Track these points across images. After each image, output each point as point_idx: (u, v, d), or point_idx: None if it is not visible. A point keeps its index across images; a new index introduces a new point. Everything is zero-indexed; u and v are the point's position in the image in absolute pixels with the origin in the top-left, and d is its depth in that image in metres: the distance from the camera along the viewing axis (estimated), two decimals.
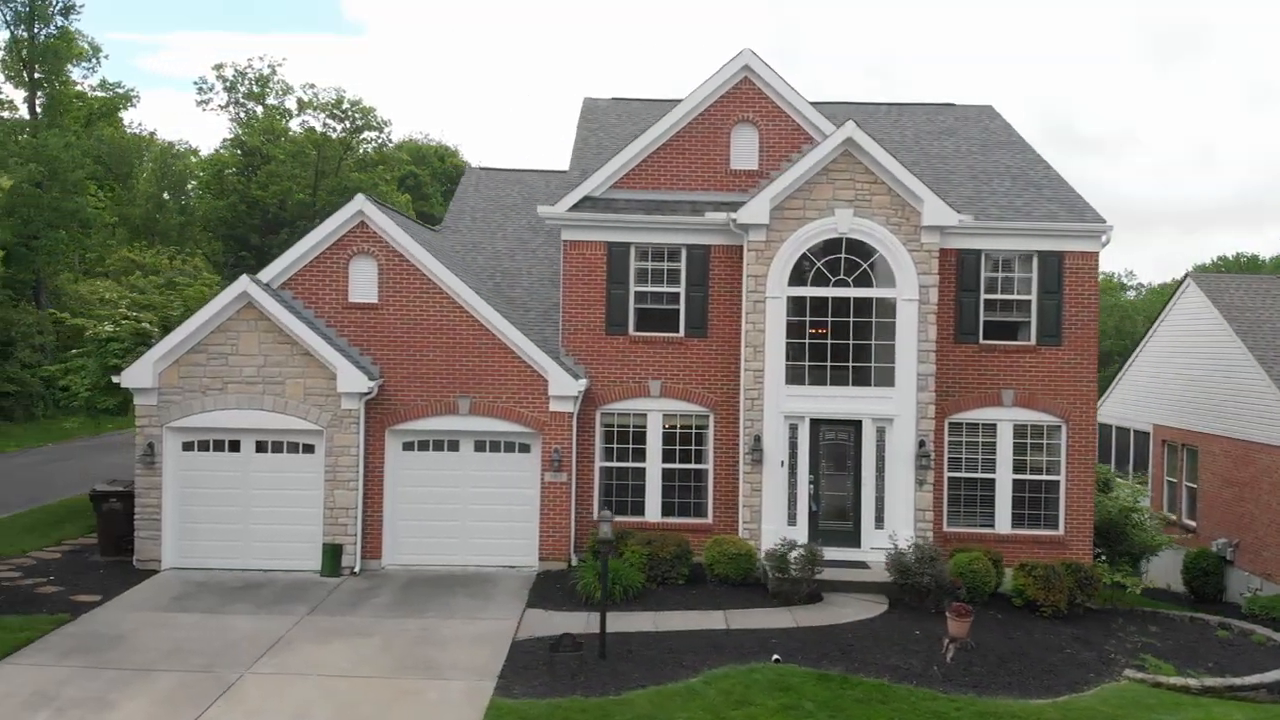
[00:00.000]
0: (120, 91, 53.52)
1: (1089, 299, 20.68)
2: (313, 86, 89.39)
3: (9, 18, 44.75)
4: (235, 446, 19.63)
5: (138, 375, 19.05)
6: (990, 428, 20.71)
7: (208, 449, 19.63)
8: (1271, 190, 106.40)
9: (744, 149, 20.71)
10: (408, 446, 20.18)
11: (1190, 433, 30.02)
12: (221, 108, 76.76)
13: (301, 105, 76.91)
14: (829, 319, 19.68)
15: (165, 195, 74.97)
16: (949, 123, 25.90)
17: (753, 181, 20.71)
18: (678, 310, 20.72)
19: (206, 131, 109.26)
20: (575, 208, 20.47)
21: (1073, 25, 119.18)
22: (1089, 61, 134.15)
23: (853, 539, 19.75)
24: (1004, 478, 20.71)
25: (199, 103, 76.23)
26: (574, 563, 20.06)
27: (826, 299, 19.66)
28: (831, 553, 19.19)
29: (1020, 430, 20.74)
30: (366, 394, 19.32)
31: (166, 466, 19.32)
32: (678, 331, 20.70)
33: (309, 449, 19.65)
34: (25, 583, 18.12)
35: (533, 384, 19.92)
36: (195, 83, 76.56)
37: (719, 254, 20.52)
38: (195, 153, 79.84)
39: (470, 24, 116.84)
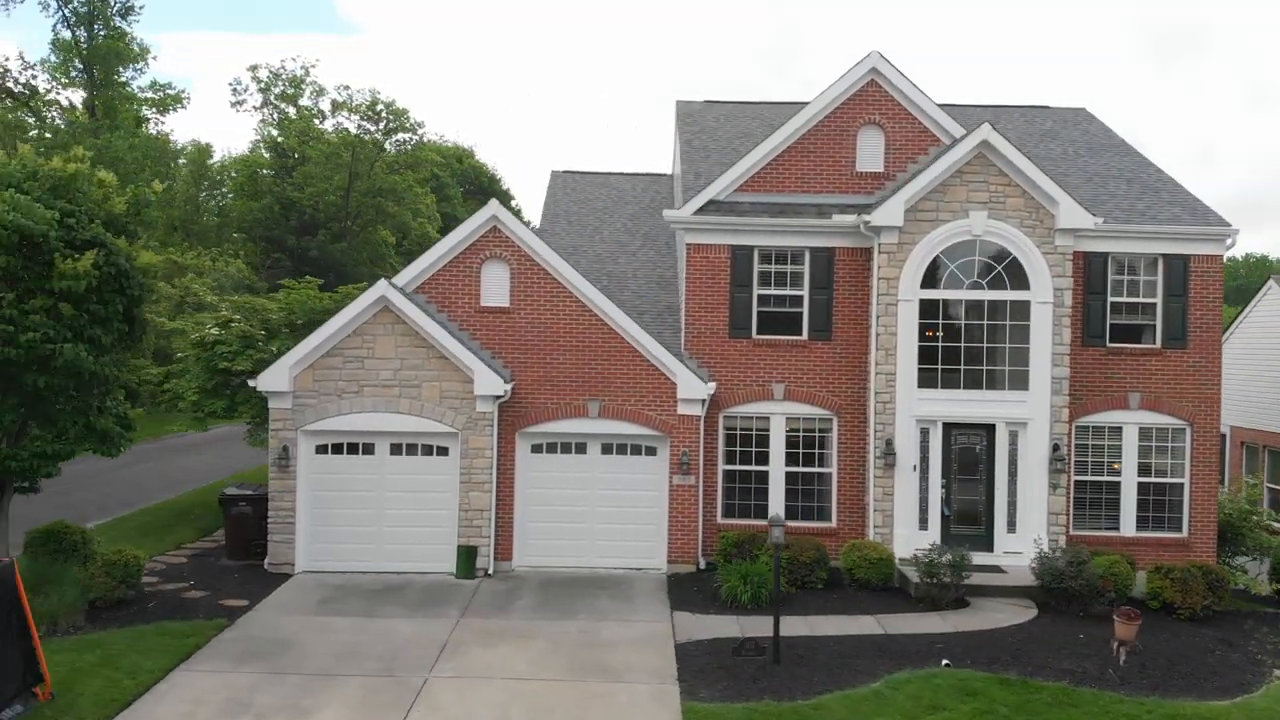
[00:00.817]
0: (171, 93, 53.55)
1: (1213, 302, 20.66)
2: (347, 88, 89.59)
3: (69, 18, 44.79)
4: (369, 449, 19.65)
5: (274, 379, 19.07)
6: (1116, 430, 20.68)
7: (341, 452, 19.65)
8: (1271, 190, 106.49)
9: (870, 151, 20.70)
10: (536, 449, 20.19)
11: (1271, 434, 30.00)
12: (256, 108, 77.01)
13: (336, 106, 77.02)
14: (962, 322, 19.67)
15: (201, 196, 75.03)
16: (1048, 125, 25.88)
17: (878, 184, 20.71)
18: (800, 313, 20.71)
19: (221, 133, 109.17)
20: (700, 211, 20.46)
21: (1073, 25, 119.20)
22: (1089, 62, 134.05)
23: (985, 543, 19.72)
24: (1129, 480, 20.68)
25: (234, 104, 76.30)
26: (701, 566, 20.05)
27: (960, 302, 19.65)
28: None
29: (1145, 433, 20.72)
30: (501, 397, 19.33)
31: (300, 470, 19.34)
32: (800, 334, 20.69)
33: (443, 451, 19.67)
34: (167, 588, 18.12)
35: (661, 387, 19.92)
36: (230, 84, 76.29)
37: (843, 256, 20.51)
38: (208, 151, 79.43)
39: (464, 24, 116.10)
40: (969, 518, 19.98)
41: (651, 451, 20.25)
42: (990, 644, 15.96)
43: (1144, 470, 20.74)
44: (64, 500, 25.51)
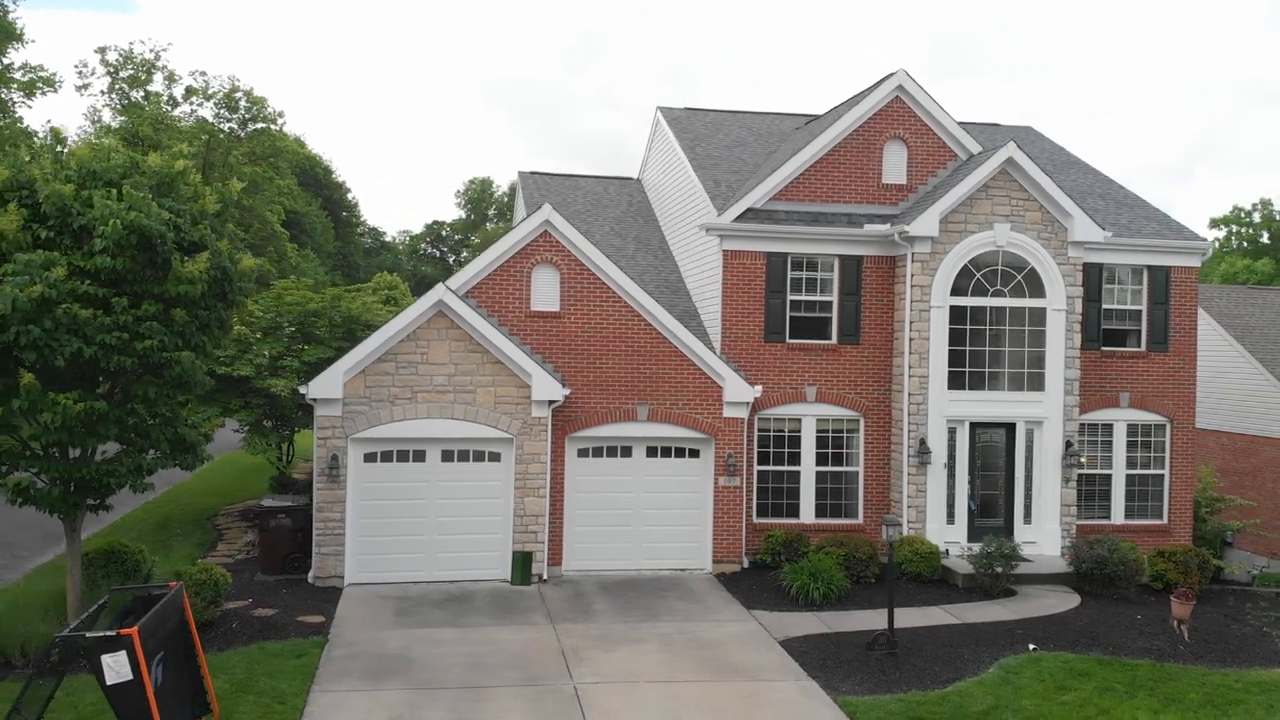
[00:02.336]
0: (44, 75, 49.44)
1: (1190, 309, 22.75)
2: (204, 74, 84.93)
3: None
4: (420, 456, 19.18)
5: (326, 386, 18.37)
6: (1108, 427, 22.47)
7: (390, 459, 19.11)
8: None
9: (894, 164, 21.72)
10: (582, 453, 20.21)
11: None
12: (103, 93, 72.23)
13: (190, 92, 73.18)
14: (987, 327, 20.94)
15: None
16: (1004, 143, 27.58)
17: (901, 195, 21.76)
18: (829, 318, 21.52)
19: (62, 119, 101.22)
20: (739, 219, 20.97)
21: (867, 38, 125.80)
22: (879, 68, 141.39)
23: (1005, 534, 21.00)
24: (1119, 474, 22.51)
25: (79, 87, 71.20)
26: (745, 565, 20.56)
27: (985, 308, 20.91)
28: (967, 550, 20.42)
29: (1133, 430, 22.60)
30: (556, 402, 19.27)
31: (349, 479, 18.71)
32: (830, 338, 21.51)
33: (495, 457, 19.42)
34: (230, 606, 17.15)
35: (707, 390, 20.32)
36: (76, 66, 71.11)
37: (870, 264, 21.45)
38: (61, 137, 74.00)
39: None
40: (990, 511, 21.28)
41: (695, 454, 20.61)
42: (1060, 628, 17.17)
43: (1131, 464, 22.62)
44: (18, 516, 23.56)
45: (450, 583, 19.01)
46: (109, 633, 10.05)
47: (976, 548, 20.37)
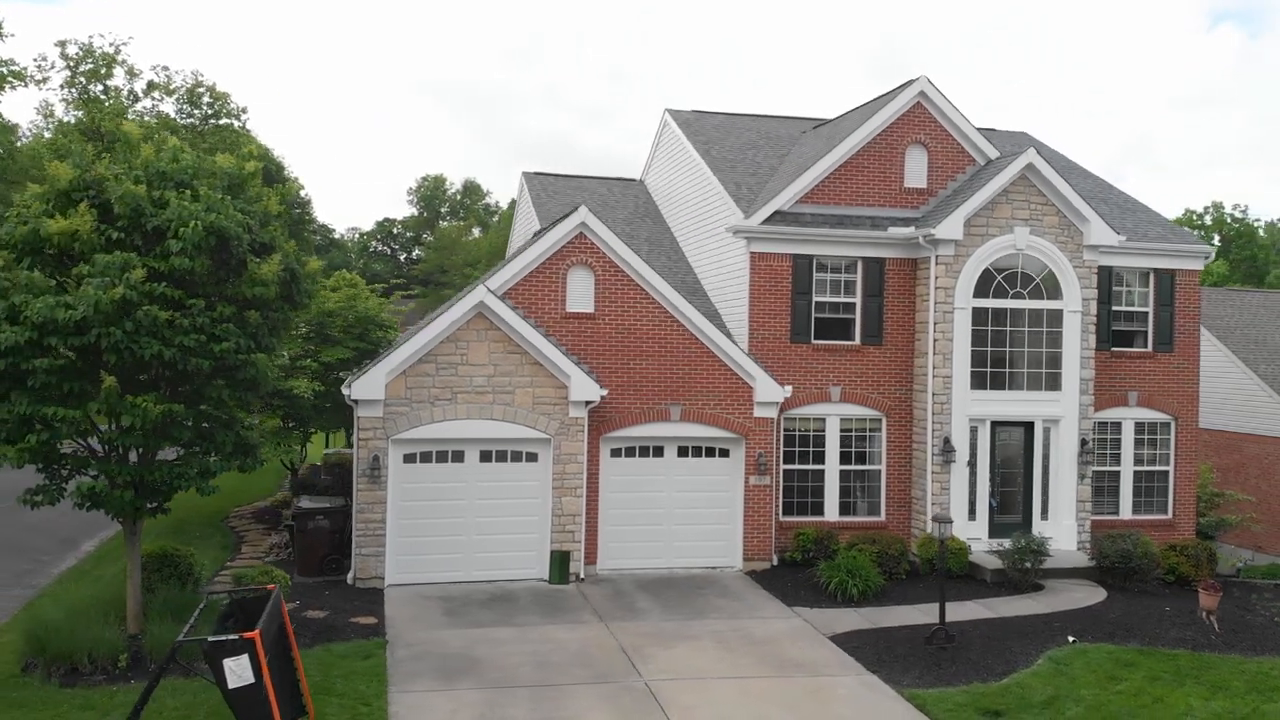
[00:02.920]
0: (15, 69, 48.20)
1: (1193, 310, 23.52)
2: (166, 69, 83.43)
3: None
4: (459, 457, 19.24)
5: (369, 387, 18.34)
6: (1117, 425, 23.15)
7: (429, 460, 19.14)
8: None
9: (915, 169, 22.19)
10: (615, 453, 20.40)
11: None
12: (63, 86, 70.73)
13: (151, 87, 72.03)
14: (1007, 328, 21.47)
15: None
16: (1005, 147, 28.27)
17: (922, 199, 22.23)
18: (853, 319, 21.93)
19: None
20: (766, 221, 21.28)
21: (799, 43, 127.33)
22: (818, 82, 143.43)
23: (1023, 530, 21.57)
24: (1127, 469, 23.22)
25: (38, 81, 69.63)
26: (774, 562, 20.89)
27: (1005, 310, 21.44)
28: (1003, 544, 20.94)
29: (1140, 427, 23.31)
30: (593, 402, 19.43)
31: (389, 480, 18.71)
32: (854, 339, 21.91)
33: (532, 458, 19.54)
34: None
35: (738, 391, 20.60)
36: (35, 60, 69.49)
37: (893, 266, 21.89)
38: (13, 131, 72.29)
39: None
40: (1008, 507, 21.84)
41: (725, 453, 20.88)
42: (1094, 620, 17.73)
43: (1139, 460, 23.33)
44: (28, 520, 23.17)
45: (489, 583, 19.09)
46: (232, 636, 10.04)
47: (996, 543, 20.94)
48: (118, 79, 73.76)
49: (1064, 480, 21.66)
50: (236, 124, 76.51)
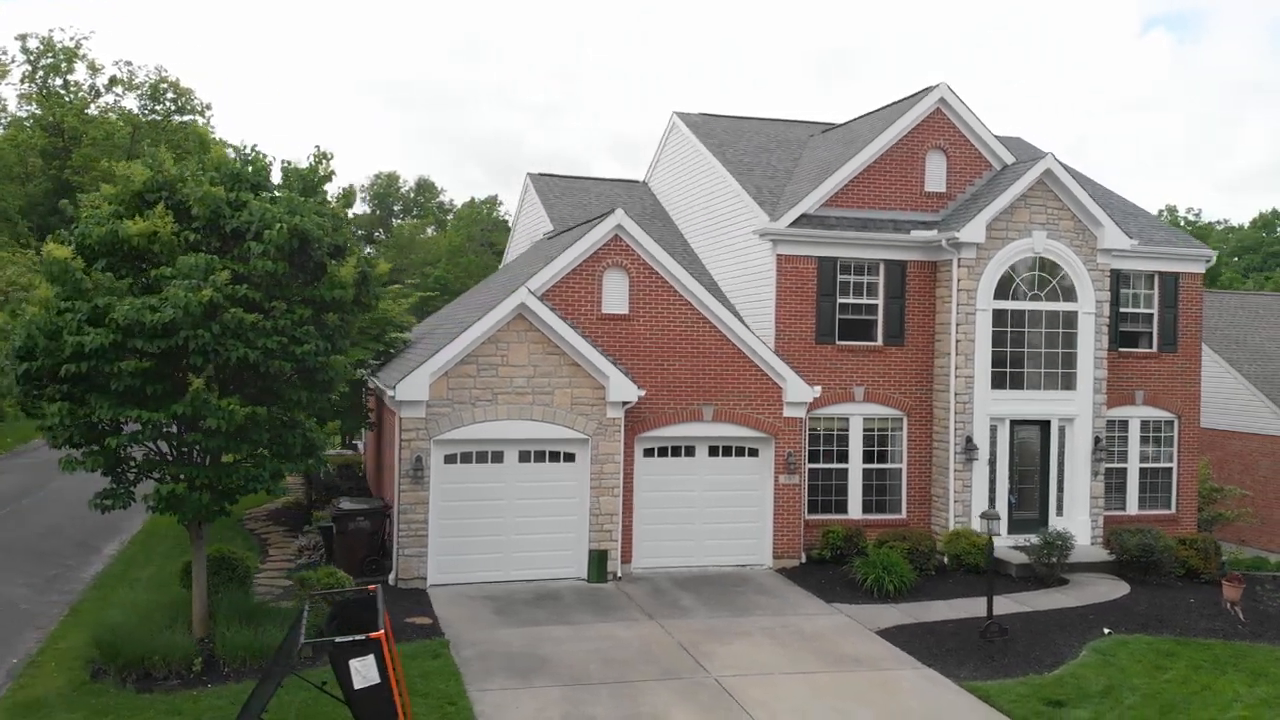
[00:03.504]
0: None
1: (1196, 312, 24.34)
2: (129, 64, 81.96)
3: None
4: (498, 458, 19.34)
5: (413, 388, 18.38)
6: (1124, 423, 23.87)
7: (470, 461, 19.22)
8: None
9: (935, 173, 22.69)
10: (648, 453, 20.62)
11: None
12: (23, 81, 69.33)
13: (114, 82, 70.92)
14: (1025, 330, 22.05)
15: None
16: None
17: (941, 203, 22.74)
18: (875, 320, 22.38)
19: None
20: (794, 224, 21.64)
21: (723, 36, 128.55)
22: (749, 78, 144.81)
23: (1040, 526, 22.13)
24: (1133, 466, 23.96)
25: None
26: (802, 560, 21.26)
27: (1023, 311, 22.02)
28: (1022, 540, 21.50)
29: (1145, 425, 24.07)
30: (630, 403, 19.64)
31: (432, 481, 18.76)
32: (876, 340, 22.36)
33: (569, 458, 19.69)
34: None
35: (768, 391, 20.93)
36: None
37: (913, 269, 22.37)
38: None
39: None
40: (1025, 504, 22.43)
41: (754, 453, 21.20)
42: (1124, 613, 18.32)
43: (1144, 457, 24.08)
44: (39, 523, 22.83)
45: (528, 582, 19.22)
46: (359, 636, 10.11)
47: (1017, 539, 21.44)
48: (79, 74, 72.47)
49: (1079, 477, 22.31)
50: (201, 120, 75.54)
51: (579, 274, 20.02)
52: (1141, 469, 24.11)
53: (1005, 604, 18.70)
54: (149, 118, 71.35)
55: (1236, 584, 18.47)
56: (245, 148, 14.26)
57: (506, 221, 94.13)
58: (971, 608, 18.34)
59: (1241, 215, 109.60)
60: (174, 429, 13.45)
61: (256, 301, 13.12)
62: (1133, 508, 23.94)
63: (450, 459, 19.08)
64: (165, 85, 71.81)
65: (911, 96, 23.24)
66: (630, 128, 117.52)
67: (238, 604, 15.00)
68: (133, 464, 13.95)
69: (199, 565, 14.55)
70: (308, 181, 14.12)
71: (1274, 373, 32.37)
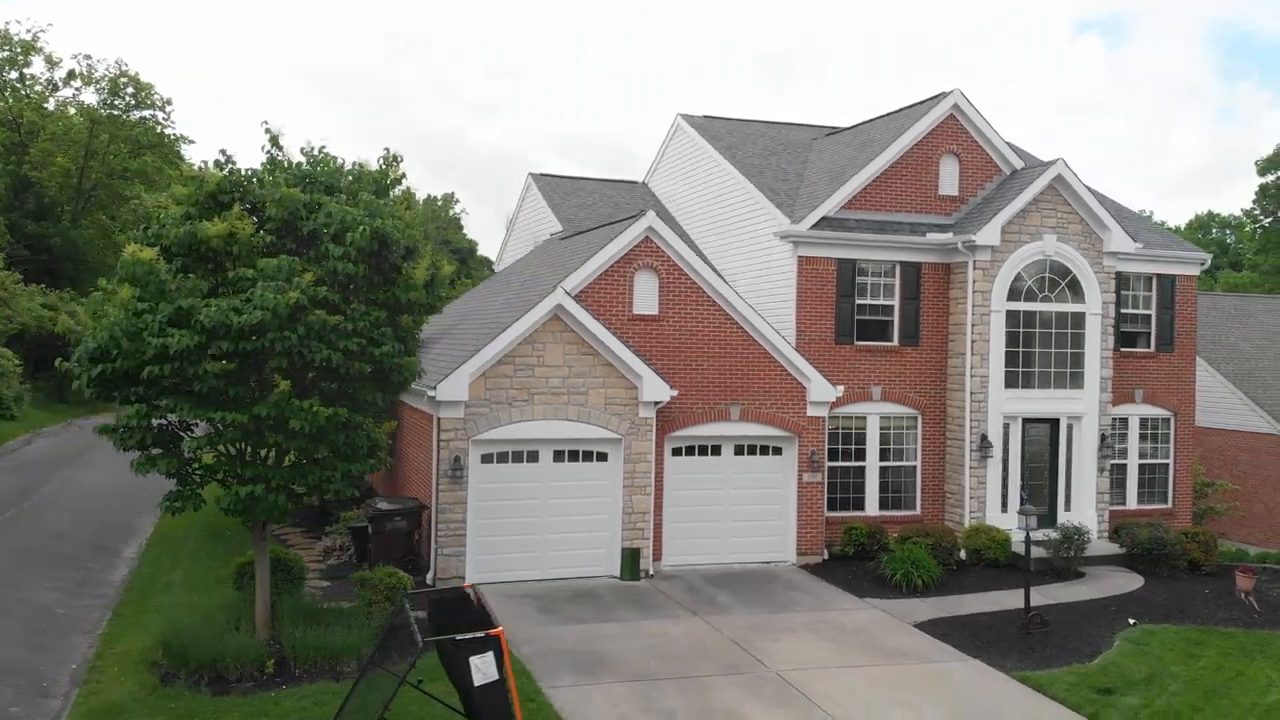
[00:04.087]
0: None
1: (1191, 313, 25.21)
2: (89, 58, 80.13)
3: None
4: (534, 457, 19.50)
5: (453, 389, 18.46)
6: (1124, 421, 24.66)
7: (505, 460, 19.36)
8: None
9: (948, 177, 23.26)
10: (676, 452, 20.90)
11: None
12: None
13: (72, 76, 69.53)
14: (1037, 330, 22.70)
15: None
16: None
17: (954, 206, 23.31)
18: (891, 321, 22.90)
19: None
20: (815, 226, 22.06)
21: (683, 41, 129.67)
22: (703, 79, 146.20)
23: (1049, 521, 22.85)
24: (1133, 462, 24.77)
25: None
26: (825, 557, 21.69)
27: (1034, 313, 22.67)
28: (1036, 534, 22.15)
29: (1144, 423, 24.89)
30: (662, 403, 19.91)
31: (470, 481, 18.87)
32: (892, 340, 22.88)
33: (602, 457, 19.91)
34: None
35: (792, 391, 21.31)
36: None
37: (928, 270, 22.92)
38: None
39: None
40: (1035, 500, 23.07)
41: (778, 451, 21.58)
42: (1144, 604, 19.01)
43: (1142, 454, 24.91)
44: (50, 526, 22.51)
45: (562, 580, 19.41)
46: (478, 634, 10.28)
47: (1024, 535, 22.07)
48: (37, 67, 70.90)
49: (1086, 473, 23.03)
50: (160, 115, 74.21)
51: (610, 275, 20.23)
52: (1140, 465, 24.92)
53: (1032, 597, 19.27)
54: (108, 112, 70.05)
55: (1249, 575, 19.25)
56: (312, 148, 14.25)
57: (459, 220, 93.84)
58: (999, 600, 18.92)
59: (1178, 217, 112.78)
60: (252, 431, 13.43)
61: (335, 303, 13.16)
62: (1132, 502, 24.74)
63: (487, 458, 19.21)
64: (125, 80, 70.47)
65: (925, 102, 23.80)
66: (580, 125, 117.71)
67: (299, 605, 15.01)
68: (196, 466, 13.91)
69: (262, 567, 14.54)
70: (379, 184, 14.18)
71: (1250, 371, 33.56)
